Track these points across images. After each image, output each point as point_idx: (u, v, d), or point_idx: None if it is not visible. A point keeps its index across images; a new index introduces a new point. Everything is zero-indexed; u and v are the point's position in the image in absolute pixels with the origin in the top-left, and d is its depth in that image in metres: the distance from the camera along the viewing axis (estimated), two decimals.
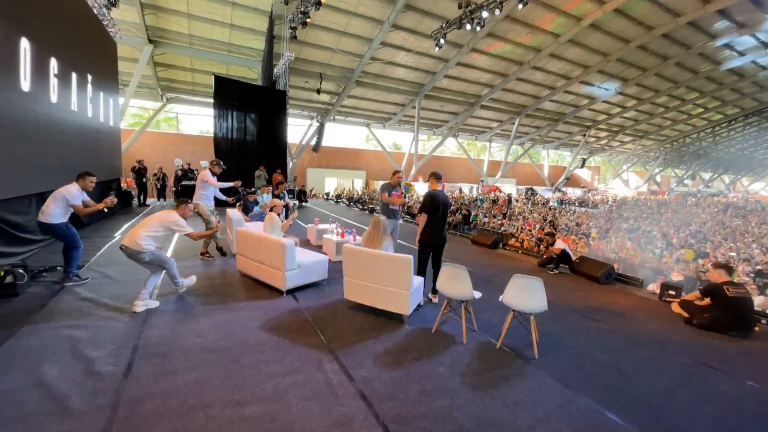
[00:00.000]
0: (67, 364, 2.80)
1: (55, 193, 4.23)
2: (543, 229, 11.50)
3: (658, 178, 42.74)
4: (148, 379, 2.70)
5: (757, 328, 4.08)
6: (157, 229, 3.80)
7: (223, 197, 6.32)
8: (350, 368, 2.95)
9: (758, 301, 5.04)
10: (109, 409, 2.39)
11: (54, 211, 4.16)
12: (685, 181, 41.47)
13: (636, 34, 16.59)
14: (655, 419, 2.60)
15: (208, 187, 5.88)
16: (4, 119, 4.64)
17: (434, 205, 4.18)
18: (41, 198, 5.54)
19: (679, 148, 36.61)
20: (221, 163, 6.21)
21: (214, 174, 6.03)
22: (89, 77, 7.89)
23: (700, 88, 23.61)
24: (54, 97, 6.12)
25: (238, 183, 6.27)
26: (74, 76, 7.01)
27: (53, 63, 6.09)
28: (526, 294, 3.33)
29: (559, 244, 6.41)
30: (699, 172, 42.17)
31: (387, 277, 3.77)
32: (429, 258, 4.26)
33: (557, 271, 6.22)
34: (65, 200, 4.18)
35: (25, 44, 5.12)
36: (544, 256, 6.48)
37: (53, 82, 6.08)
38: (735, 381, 3.11)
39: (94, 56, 8.42)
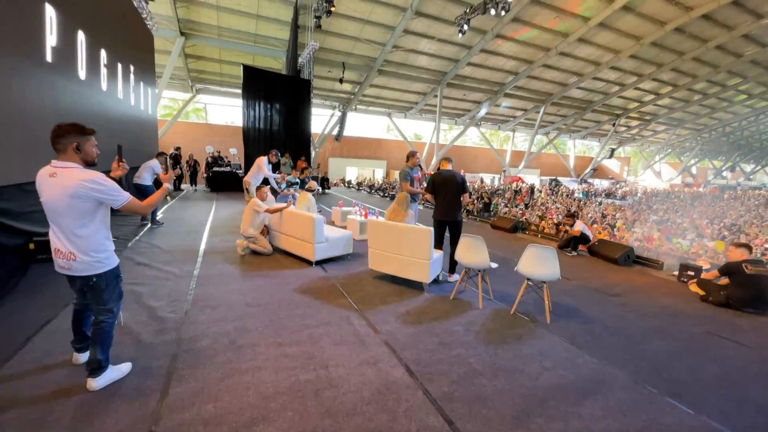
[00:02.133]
0: (134, 311, 3.28)
1: (144, 164, 6.08)
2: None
3: (694, 170, 40.77)
4: (203, 324, 3.13)
5: None
6: (253, 218, 5.05)
7: (277, 188, 7.23)
8: (375, 324, 3.27)
9: None
10: (174, 344, 2.84)
11: (145, 177, 5.96)
12: (724, 173, 39.33)
13: (672, 15, 15.83)
14: (656, 373, 2.79)
15: (260, 174, 6.83)
16: (67, 103, 5.17)
17: (439, 183, 4.33)
18: None
19: (717, 137, 34.75)
20: (278, 154, 6.97)
21: (270, 162, 6.95)
22: (131, 68, 8.44)
23: (744, 73, 22.31)
24: (104, 86, 6.66)
25: (284, 176, 7.24)
26: (120, 66, 7.55)
27: (103, 54, 6.63)
28: (539, 262, 3.56)
29: (579, 226, 6.39)
30: (740, 164, 39.85)
31: (409, 248, 4.02)
32: (444, 234, 4.42)
33: (575, 254, 6.26)
34: (152, 169, 6.04)
35: (81, 37, 5.65)
36: (564, 239, 6.51)
37: (103, 71, 6.63)
38: (742, 349, 3.21)
39: (135, 48, 8.97)
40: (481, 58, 19.59)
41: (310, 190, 5.99)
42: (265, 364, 2.63)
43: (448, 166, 4.44)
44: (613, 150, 34.66)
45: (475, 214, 13.02)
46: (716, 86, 24.25)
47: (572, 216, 6.57)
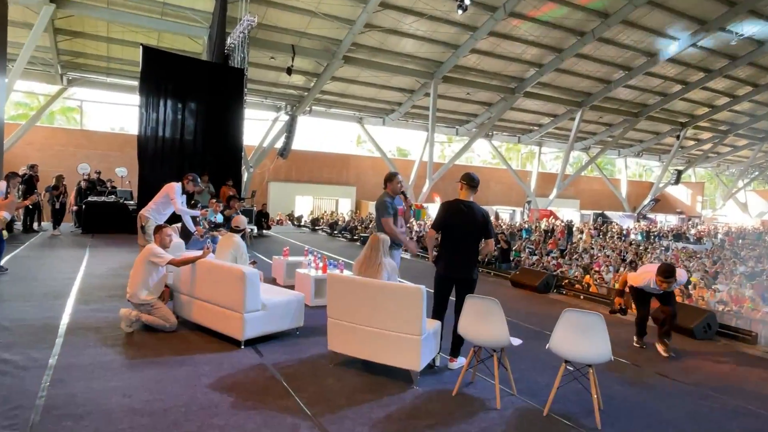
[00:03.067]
0: None
1: None
2: (617, 271, 11.63)
3: None
4: None
5: None
6: (148, 274, 5.11)
7: (192, 227, 7.23)
8: None
9: None
10: None
11: None
12: None
13: None
14: None
15: (168, 206, 6.80)
16: None
17: (452, 218, 4.38)
18: None
19: None
20: (198, 180, 7.05)
21: (185, 191, 6.98)
22: None
23: None
24: None
25: (205, 212, 7.20)
26: None
27: None
28: (581, 336, 3.64)
29: (680, 276, 5.63)
30: None
31: (390, 318, 4.02)
32: (448, 298, 4.50)
33: (621, 314, 6.25)
34: None
35: None
36: (618, 304, 6.09)
37: None
38: None
39: None
40: (491, 44, 20.88)
41: (237, 231, 6.01)
42: None
43: (470, 196, 4.48)
44: (679, 173, 36.77)
45: (487, 263, 13.18)
46: None
47: (671, 273, 5.30)
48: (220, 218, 8.51)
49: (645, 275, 5.48)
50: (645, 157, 39.66)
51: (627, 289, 5.78)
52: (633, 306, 5.98)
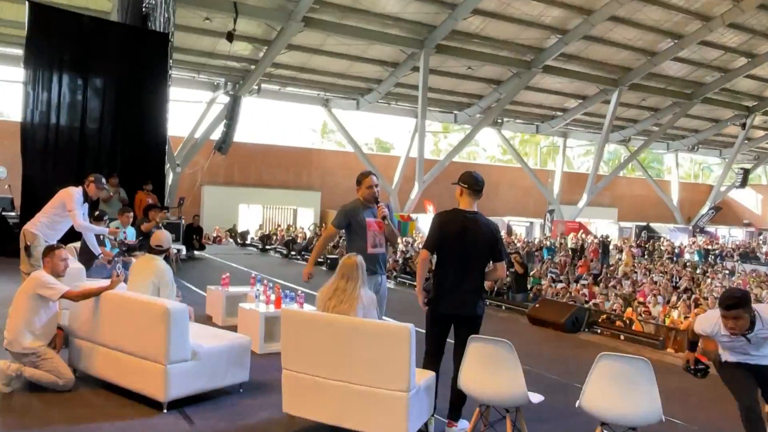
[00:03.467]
0: None
1: None
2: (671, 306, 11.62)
3: None
4: None
5: None
6: (33, 311, 5.00)
7: (96, 248, 7.20)
8: None
9: None
10: None
11: None
12: None
13: None
14: None
15: (64, 220, 6.67)
16: None
17: (449, 235, 4.42)
18: None
19: None
20: (105, 183, 7.06)
21: (87, 198, 6.92)
22: None
23: None
24: None
25: (116, 231, 7.26)
26: None
27: None
28: (623, 389, 3.63)
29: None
30: None
31: (365, 368, 3.95)
32: (445, 340, 4.52)
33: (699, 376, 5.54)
34: None
35: None
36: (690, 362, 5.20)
37: None
38: None
39: None
40: (500, 2, 21.04)
41: (158, 252, 5.95)
42: None
43: (473, 204, 4.51)
44: (746, 172, 37.24)
45: (497, 293, 13.17)
46: None
47: (738, 302, 4.08)
48: (133, 235, 8.39)
49: (712, 318, 4.49)
50: (701, 152, 40.03)
51: (701, 342, 4.93)
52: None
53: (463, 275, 4.40)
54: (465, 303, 4.41)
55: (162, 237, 6.09)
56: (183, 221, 16.25)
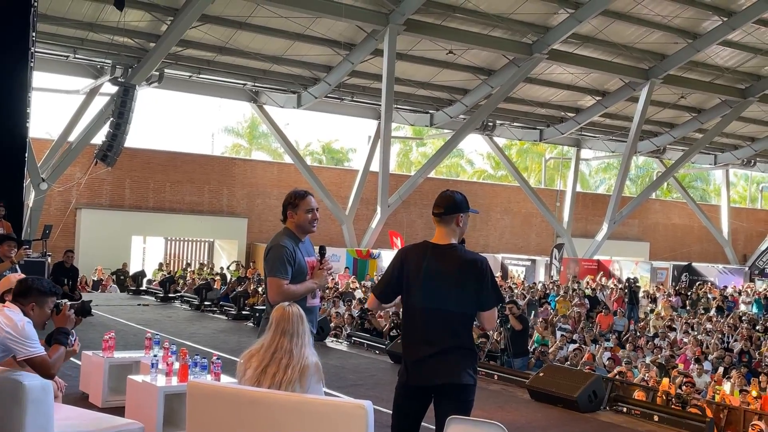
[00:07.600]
0: None
1: None
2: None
3: None
4: None
5: None
6: None
7: None
8: None
9: None
10: None
11: None
12: None
13: None
14: None
15: None
16: None
17: (417, 275, 3.99)
18: None
19: None
20: None
21: None
22: None
23: None
24: None
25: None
26: None
27: None
28: None
29: None
30: None
31: None
32: (417, 424, 4.09)
33: None
34: None
35: None
36: None
37: None
38: None
39: None
40: None
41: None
42: None
43: (449, 235, 4.09)
44: None
45: (488, 355, 13.14)
46: None
47: None
48: None
49: None
50: (759, 168, 37.99)
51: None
52: None
53: (438, 330, 3.98)
54: (445, 370, 3.94)
55: (9, 280, 5.80)
56: (49, 259, 15.40)
